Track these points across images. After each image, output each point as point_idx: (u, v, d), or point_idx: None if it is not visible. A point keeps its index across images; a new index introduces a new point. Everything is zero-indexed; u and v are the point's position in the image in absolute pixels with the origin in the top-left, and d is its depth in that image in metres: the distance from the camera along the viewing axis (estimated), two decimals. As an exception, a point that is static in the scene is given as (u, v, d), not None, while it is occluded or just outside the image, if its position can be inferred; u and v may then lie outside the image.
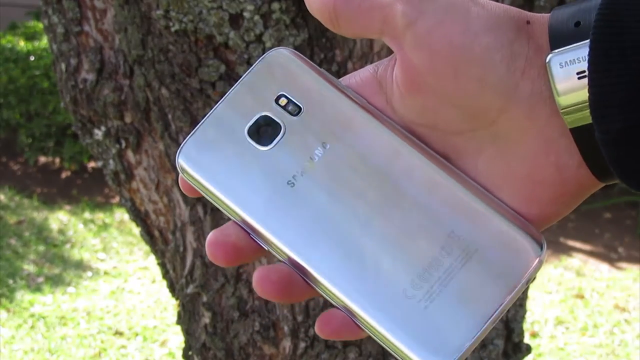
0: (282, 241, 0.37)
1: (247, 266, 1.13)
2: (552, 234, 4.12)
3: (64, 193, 4.44)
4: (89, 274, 3.47)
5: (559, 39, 0.34)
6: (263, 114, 0.39)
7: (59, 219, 4.05)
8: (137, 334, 2.98)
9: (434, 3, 0.35)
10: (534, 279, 0.37)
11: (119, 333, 2.98)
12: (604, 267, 3.79)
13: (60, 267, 3.50)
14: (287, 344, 1.12)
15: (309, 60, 0.40)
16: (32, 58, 4.43)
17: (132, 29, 1.08)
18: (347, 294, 0.36)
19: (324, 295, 0.37)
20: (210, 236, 0.38)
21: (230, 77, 1.06)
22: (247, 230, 0.38)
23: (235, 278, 1.14)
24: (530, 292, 1.24)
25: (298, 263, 0.37)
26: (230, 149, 0.39)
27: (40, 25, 4.61)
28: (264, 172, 0.38)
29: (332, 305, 0.38)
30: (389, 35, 0.37)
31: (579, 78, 0.33)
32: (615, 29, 0.31)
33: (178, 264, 1.20)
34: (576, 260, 3.85)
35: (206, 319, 1.17)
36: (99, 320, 3.07)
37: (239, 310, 1.13)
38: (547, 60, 0.34)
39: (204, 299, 1.15)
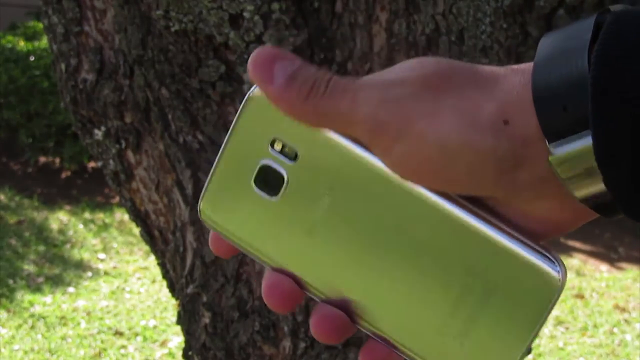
0: (323, 287, 0.38)
1: (247, 266, 1.13)
2: (552, 234, 4.11)
3: (64, 193, 4.44)
4: (89, 274, 3.47)
5: (553, 132, 0.33)
6: (263, 163, 0.38)
7: (59, 219, 4.05)
8: (137, 334, 2.98)
9: (410, 124, 0.34)
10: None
11: (119, 333, 2.98)
12: (604, 267, 3.79)
13: (60, 267, 3.50)
14: (287, 344, 1.12)
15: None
16: (32, 58, 4.43)
17: (132, 29, 1.08)
18: (392, 331, 0.38)
19: (368, 331, 0.38)
20: (265, 282, 0.39)
21: (230, 77, 1.06)
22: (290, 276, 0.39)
23: (235, 278, 1.14)
24: (530, 292, 1.24)
25: (344, 305, 0.38)
26: (245, 201, 0.39)
27: (40, 25, 4.61)
28: (283, 223, 0.39)
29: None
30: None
31: (589, 174, 0.33)
32: (616, 118, 0.31)
33: (178, 264, 1.20)
34: (576, 260, 3.85)
35: (206, 319, 1.17)
36: (99, 320, 3.07)
37: (239, 310, 1.13)
38: (551, 161, 0.33)
39: (204, 299, 1.16)
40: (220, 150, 0.39)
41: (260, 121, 0.38)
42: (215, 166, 0.39)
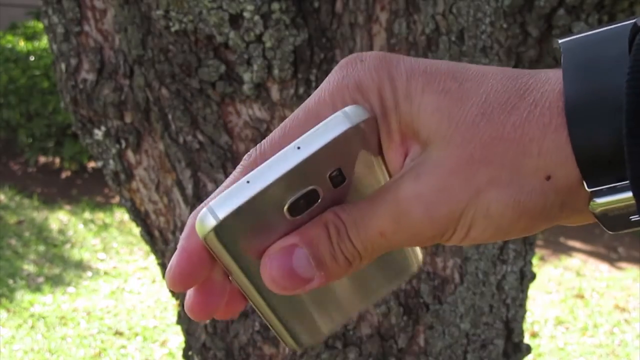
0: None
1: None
2: (552, 234, 4.12)
3: (64, 193, 4.44)
4: (89, 274, 3.47)
5: (596, 183, 0.33)
6: (312, 189, 0.35)
7: (59, 219, 4.05)
8: (137, 334, 2.98)
9: (461, 220, 0.34)
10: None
11: (119, 333, 2.98)
12: (604, 267, 3.79)
13: (60, 267, 3.50)
14: (287, 344, 1.12)
15: (374, 127, 0.36)
16: (32, 58, 4.43)
17: (132, 29, 1.08)
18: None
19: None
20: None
21: (230, 77, 1.06)
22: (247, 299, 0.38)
23: (235, 278, 1.14)
24: (530, 292, 1.24)
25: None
26: (262, 222, 0.35)
27: (40, 25, 4.62)
28: None
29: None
30: None
31: (632, 221, 0.33)
32: None
33: (178, 264, 1.20)
34: (576, 260, 3.85)
35: (206, 319, 1.17)
36: (99, 320, 3.07)
37: (239, 310, 1.13)
38: (592, 207, 0.33)
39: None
40: (281, 169, 0.34)
41: (337, 150, 0.35)
42: (261, 182, 0.34)
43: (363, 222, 0.35)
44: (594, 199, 0.33)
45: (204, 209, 0.34)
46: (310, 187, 0.35)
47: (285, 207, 0.35)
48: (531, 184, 0.33)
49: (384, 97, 0.35)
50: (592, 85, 0.32)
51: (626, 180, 0.32)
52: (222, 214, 0.34)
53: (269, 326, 0.38)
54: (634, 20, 0.33)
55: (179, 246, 0.36)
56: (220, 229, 0.34)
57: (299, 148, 0.34)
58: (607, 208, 0.33)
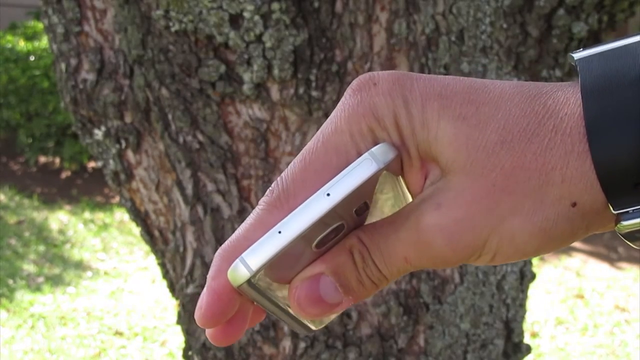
0: None
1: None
2: (552, 234, 4.11)
3: (64, 193, 4.44)
4: (89, 274, 3.47)
5: (622, 206, 0.32)
6: (338, 224, 0.35)
7: (59, 219, 4.05)
8: (137, 334, 2.98)
9: (483, 250, 0.34)
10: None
11: (119, 333, 2.98)
12: (604, 267, 3.79)
13: (60, 267, 3.50)
14: (287, 344, 1.12)
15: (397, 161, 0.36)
16: (32, 58, 4.44)
17: (132, 29, 1.08)
18: None
19: None
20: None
21: (230, 77, 1.06)
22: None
23: (235, 278, 1.14)
24: (530, 292, 1.24)
25: None
26: (291, 259, 0.35)
27: (40, 25, 4.62)
28: None
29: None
30: None
31: None
32: None
33: (178, 264, 1.20)
34: (576, 260, 3.85)
35: (206, 319, 1.17)
36: (99, 320, 3.07)
37: (239, 310, 1.13)
38: (619, 229, 0.33)
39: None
40: (315, 215, 0.34)
41: (364, 190, 0.35)
42: (297, 229, 0.34)
43: (387, 247, 0.35)
44: (622, 222, 0.33)
45: (237, 261, 0.34)
46: (338, 224, 0.35)
47: (314, 245, 0.35)
48: (556, 212, 0.33)
49: (401, 125, 0.35)
50: (612, 104, 0.32)
51: None
52: (255, 265, 0.34)
53: (284, 323, 0.39)
54: None
55: (207, 286, 0.36)
56: (254, 278, 0.34)
57: (328, 195, 0.34)
58: (634, 230, 0.33)
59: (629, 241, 0.34)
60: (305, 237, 0.34)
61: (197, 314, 0.36)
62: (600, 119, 0.32)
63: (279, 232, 0.34)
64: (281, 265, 0.35)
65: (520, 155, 0.33)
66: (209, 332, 0.37)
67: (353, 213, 0.35)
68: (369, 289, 0.36)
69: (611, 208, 0.33)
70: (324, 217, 0.34)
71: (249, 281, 0.34)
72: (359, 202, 0.35)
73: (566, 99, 0.33)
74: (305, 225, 0.34)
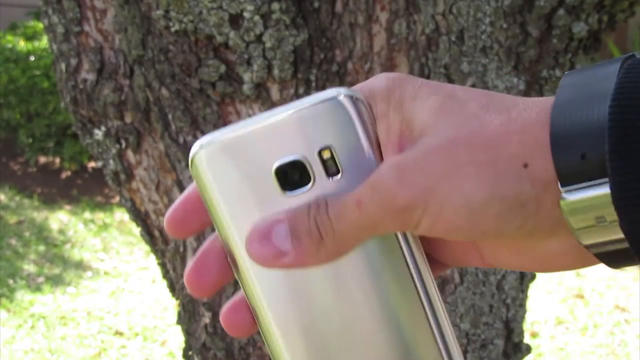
0: (257, 295, 0.37)
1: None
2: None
3: (64, 193, 4.44)
4: (89, 274, 3.47)
5: (568, 178, 0.33)
6: (299, 159, 0.36)
7: (59, 219, 4.05)
8: (137, 334, 2.98)
9: (431, 195, 0.34)
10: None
11: (119, 333, 2.98)
12: (604, 267, 3.78)
13: (60, 267, 3.50)
14: (287, 344, 1.12)
15: (369, 115, 0.36)
16: (32, 58, 4.44)
17: (132, 29, 1.08)
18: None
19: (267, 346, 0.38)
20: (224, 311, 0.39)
21: (230, 77, 1.06)
22: (228, 257, 0.37)
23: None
24: (530, 292, 1.24)
25: (257, 316, 0.37)
26: (250, 174, 0.36)
27: (41, 25, 4.62)
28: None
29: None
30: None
31: (598, 222, 0.33)
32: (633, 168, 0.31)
33: (178, 264, 1.20)
34: (576, 260, 3.85)
35: (206, 318, 1.17)
36: (99, 320, 3.07)
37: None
38: (562, 206, 0.33)
39: (204, 299, 1.16)
40: (268, 117, 0.36)
41: (326, 123, 0.36)
42: (250, 126, 0.36)
43: (344, 195, 0.36)
44: (563, 196, 0.33)
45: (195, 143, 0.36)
46: (298, 156, 0.35)
47: (273, 170, 0.36)
48: (507, 167, 0.34)
49: (392, 98, 0.36)
50: (583, 91, 0.34)
51: (604, 177, 0.32)
52: (207, 140, 0.36)
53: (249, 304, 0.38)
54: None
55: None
56: (206, 154, 0.36)
57: (288, 109, 0.36)
58: (579, 206, 0.33)
59: (578, 234, 0.34)
60: (262, 147, 0.35)
61: (164, 220, 0.38)
62: (567, 101, 0.34)
63: (236, 126, 0.36)
64: (244, 200, 0.36)
65: (489, 121, 0.34)
66: (185, 277, 0.38)
67: (317, 157, 0.36)
68: (314, 241, 0.36)
69: (557, 176, 0.33)
70: (280, 127, 0.35)
71: (199, 158, 0.36)
72: (322, 139, 0.35)
73: (548, 98, 0.35)
74: (261, 124, 0.36)
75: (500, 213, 0.34)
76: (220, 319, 0.39)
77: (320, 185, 0.36)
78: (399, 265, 0.36)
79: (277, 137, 0.36)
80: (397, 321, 0.36)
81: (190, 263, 0.39)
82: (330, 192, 0.36)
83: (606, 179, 0.32)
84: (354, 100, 0.36)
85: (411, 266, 0.36)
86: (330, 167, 0.36)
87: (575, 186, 0.33)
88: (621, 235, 0.33)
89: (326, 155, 0.36)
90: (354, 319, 0.36)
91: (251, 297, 0.37)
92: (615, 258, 0.35)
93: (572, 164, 0.33)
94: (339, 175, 0.36)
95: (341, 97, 0.36)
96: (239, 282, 0.38)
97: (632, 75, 0.33)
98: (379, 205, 0.35)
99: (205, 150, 0.36)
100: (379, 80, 0.37)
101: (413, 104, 0.36)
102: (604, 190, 0.32)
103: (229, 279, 0.39)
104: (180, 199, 0.38)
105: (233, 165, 0.36)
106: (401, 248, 0.36)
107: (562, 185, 0.33)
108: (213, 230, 0.38)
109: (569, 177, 0.33)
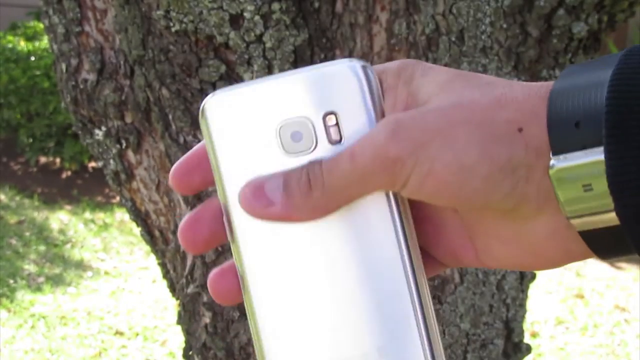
0: (244, 257, 0.37)
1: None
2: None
3: (65, 193, 4.44)
4: (90, 274, 3.47)
5: (560, 144, 0.33)
6: (303, 120, 0.36)
7: (60, 219, 4.05)
8: (137, 334, 2.98)
9: (423, 149, 0.34)
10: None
11: (119, 333, 2.98)
12: (603, 267, 3.79)
13: (60, 267, 3.50)
14: (287, 343, 1.12)
15: (378, 87, 0.37)
16: (32, 58, 4.44)
17: (132, 29, 1.09)
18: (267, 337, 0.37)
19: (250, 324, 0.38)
20: (211, 276, 0.39)
21: (231, 77, 1.06)
22: (224, 215, 0.37)
23: (235, 278, 1.14)
24: (530, 292, 1.24)
25: (242, 279, 0.37)
26: (255, 129, 0.37)
27: (41, 26, 4.62)
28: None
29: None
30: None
31: (585, 191, 0.33)
32: (629, 136, 0.31)
33: (178, 263, 1.20)
34: (576, 260, 3.85)
35: (207, 318, 1.17)
36: (99, 320, 3.07)
37: (240, 310, 1.13)
38: (551, 174, 0.34)
39: (204, 298, 1.16)
40: (276, 78, 0.37)
41: (335, 89, 0.36)
42: (259, 83, 0.37)
43: (340, 151, 0.36)
44: (553, 162, 0.33)
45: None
46: (303, 117, 0.36)
47: (278, 128, 0.36)
48: (502, 129, 0.34)
49: (402, 74, 0.37)
50: (581, 78, 0.34)
51: (596, 146, 0.32)
52: (219, 92, 0.37)
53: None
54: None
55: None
56: (215, 104, 0.36)
57: (301, 71, 0.37)
58: (567, 173, 0.33)
59: (563, 204, 0.34)
60: (269, 107, 0.36)
61: (170, 174, 0.39)
62: (569, 84, 0.34)
63: (246, 85, 0.37)
64: (249, 159, 0.36)
65: (490, 91, 0.35)
66: (180, 230, 0.38)
67: (322, 121, 0.36)
68: (303, 193, 0.36)
69: (549, 142, 0.33)
70: (288, 87, 0.36)
71: (210, 107, 0.36)
72: (328, 104, 0.36)
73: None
74: (270, 82, 0.36)
75: (490, 174, 0.34)
76: (208, 284, 0.39)
77: (321, 150, 0.36)
78: (387, 235, 0.36)
79: (285, 96, 0.36)
80: (379, 290, 0.36)
81: (186, 216, 0.39)
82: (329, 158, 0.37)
83: (595, 149, 0.32)
84: (365, 69, 0.36)
85: (400, 236, 0.36)
86: (334, 134, 0.36)
87: (566, 155, 0.33)
88: (608, 206, 0.33)
89: (330, 121, 0.36)
90: (336, 286, 0.36)
91: (238, 258, 0.37)
92: (601, 240, 0.34)
93: (565, 132, 0.33)
94: (341, 143, 0.36)
95: (353, 65, 0.36)
96: (230, 241, 0.38)
97: (631, 61, 0.33)
98: (370, 157, 0.35)
99: (215, 100, 0.37)
100: (393, 62, 0.38)
101: (422, 80, 0.36)
102: (593, 157, 0.32)
103: (222, 239, 0.39)
104: (188, 153, 0.39)
105: (240, 118, 0.37)
106: (392, 217, 0.36)
107: (554, 154, 0.33)
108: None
109: (561, 143, 0.33)
